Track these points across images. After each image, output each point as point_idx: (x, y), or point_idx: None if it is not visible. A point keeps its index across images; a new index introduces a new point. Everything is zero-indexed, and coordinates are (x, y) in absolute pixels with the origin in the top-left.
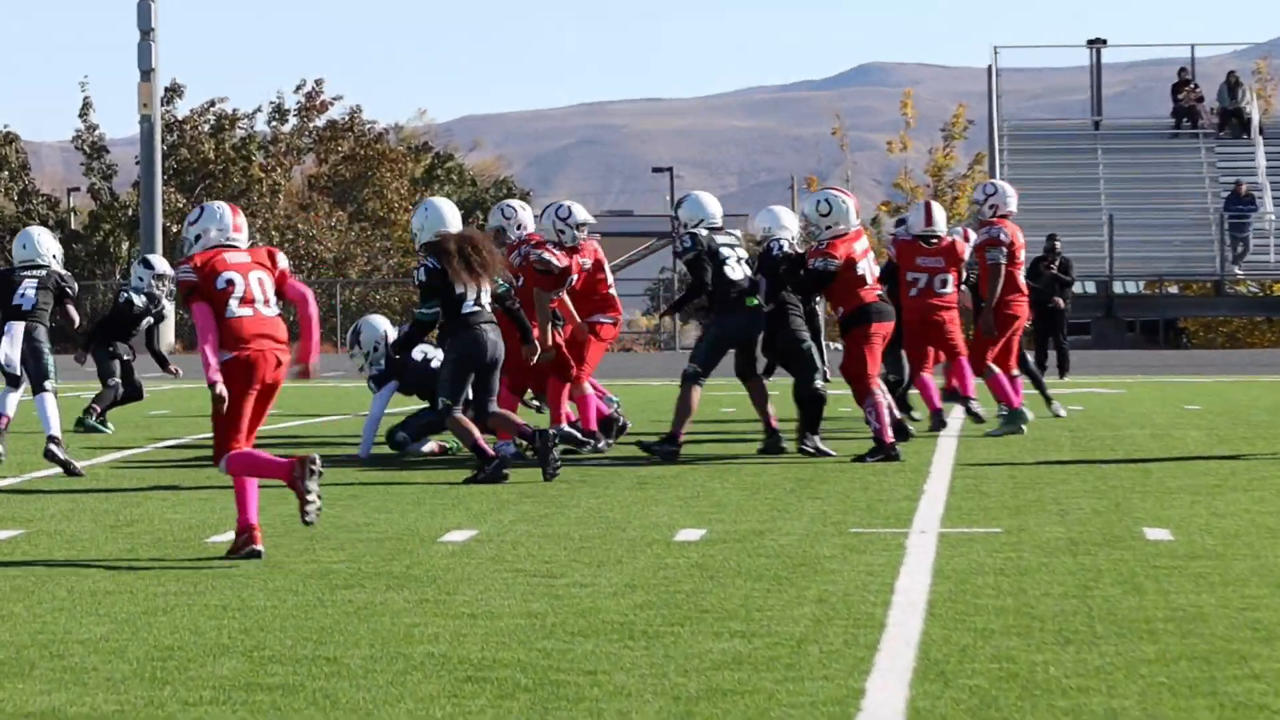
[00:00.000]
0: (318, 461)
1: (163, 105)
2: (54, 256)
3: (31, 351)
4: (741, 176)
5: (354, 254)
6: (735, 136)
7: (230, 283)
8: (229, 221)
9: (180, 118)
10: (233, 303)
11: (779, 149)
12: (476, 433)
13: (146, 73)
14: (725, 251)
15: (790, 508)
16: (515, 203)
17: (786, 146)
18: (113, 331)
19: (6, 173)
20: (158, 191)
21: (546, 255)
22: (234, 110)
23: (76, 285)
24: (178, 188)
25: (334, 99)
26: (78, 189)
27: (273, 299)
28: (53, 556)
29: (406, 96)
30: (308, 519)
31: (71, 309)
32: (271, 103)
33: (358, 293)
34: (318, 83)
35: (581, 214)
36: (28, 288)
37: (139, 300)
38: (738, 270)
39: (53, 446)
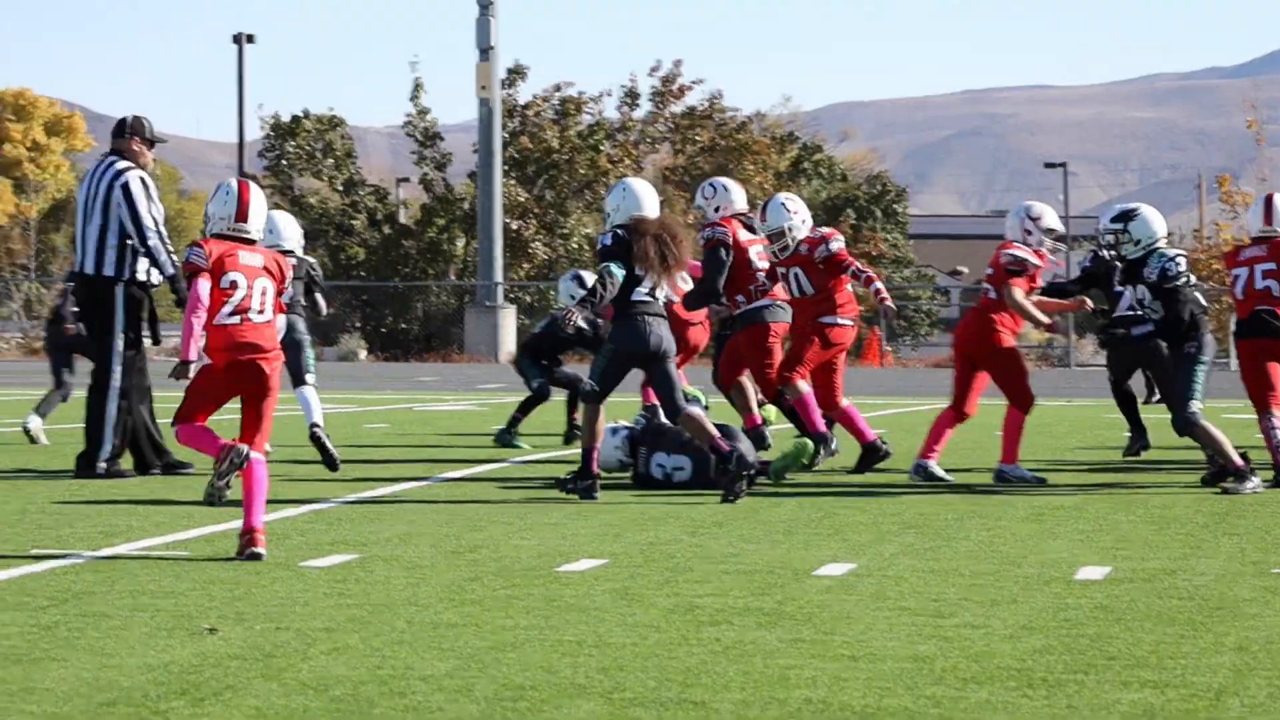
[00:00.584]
0: (242, 454)
1: (503, 88)
2: (297, 242)
3: (291, 344)
4: (1142, 173)
5: None
6: (1135, 129)
7: (233, 285)
8: (234, 207)
9: (522, 103)
10: (225, 308)
11: (1184, 143)
12: (599, 436)
13: (485, 51)
14: (1192, 277)
15: (1204, 544)
16: (723, 181)
17: (1192, 140)
18: (545, 351)
19: (331, 160)
20: (497, 183)
21: (1020, 253)
22: (580, 94)
23: (321, 272)
24: (518, 179)
25: (693, 83)
26: (407, 179)
27: (269, 308)
28: (390, 584)
29: (771, 81)
30: (210, 498)
31: (320, 298)
32: (623, 86)
33: None
34: (675, 64)
35: (1051, 219)
36: None
37: (583, 322)
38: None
39: (317, 431)
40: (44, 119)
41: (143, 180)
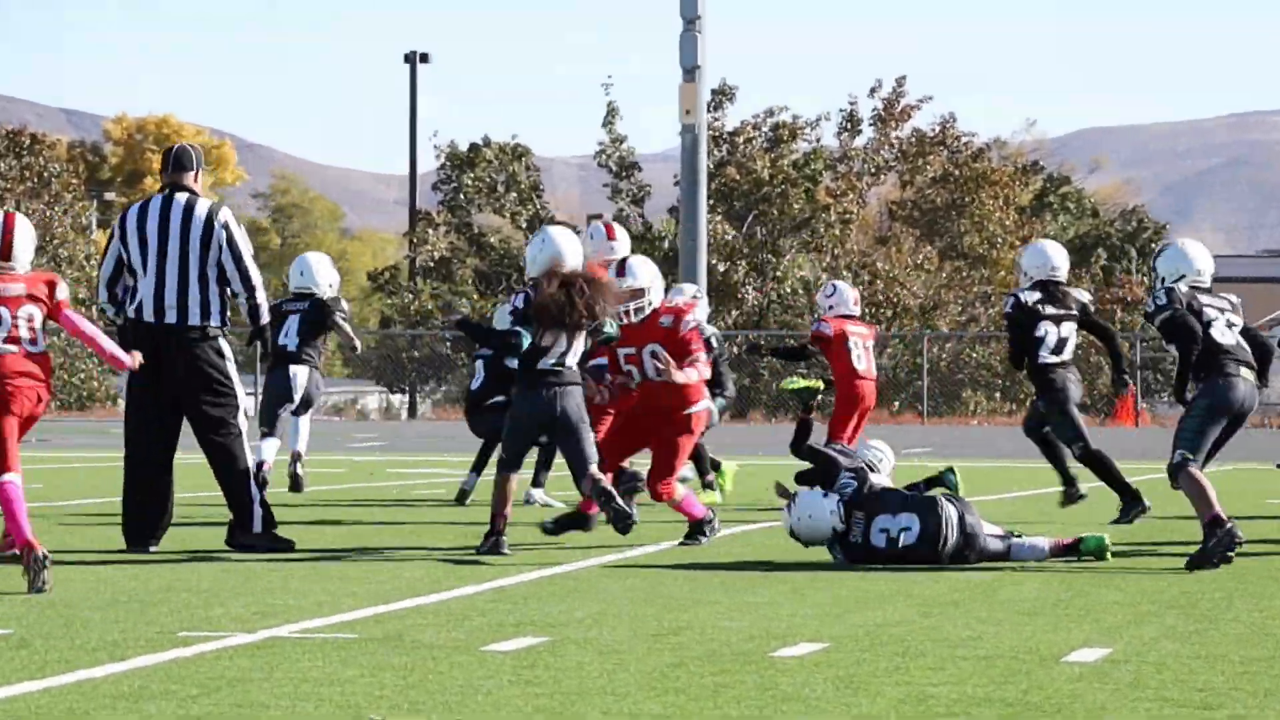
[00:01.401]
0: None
1: (709, 113)
2: (329, 286)
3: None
4: None
5: (945, 300)
6: None
7: None
8: None
9: (730, 129)
10: None
11: None
12: (507, 508)
13: (690, 71)
14: (1211, 312)
15: None
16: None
17: None
18: None
19: (514, 194)
20: (701, 220)
21: None
22: (795, 119)
23: (346, 306)
24: (725, 215)
25: (920, 102)
26: (599, 216)
27: (40, 336)
28: (583, 671)
29: (1012, 103)
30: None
31: (348, 329)
32: (841, 110)
33: (949, 349)
34: (899, 83)
35: None
36: (290, 326)
37: None
38: (1229, 334)
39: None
40: None
41: (237, 220)
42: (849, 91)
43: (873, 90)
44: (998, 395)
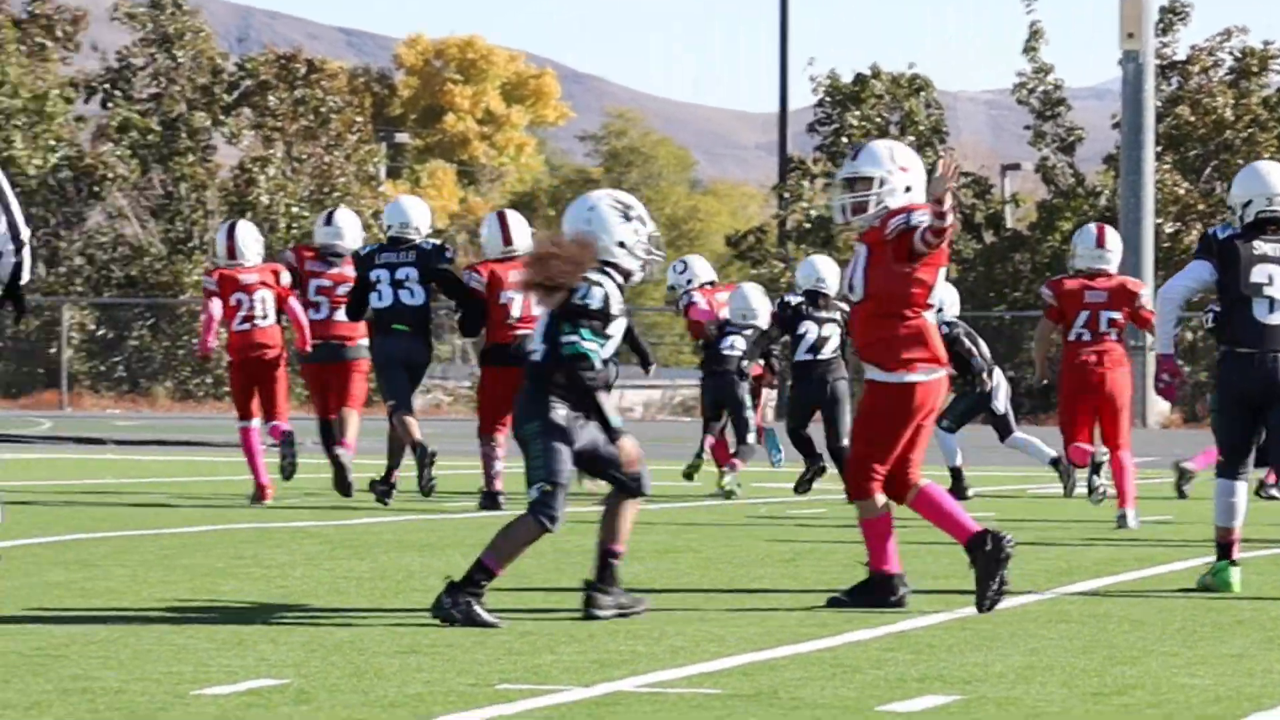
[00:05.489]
0: None
1: (1156, 37)
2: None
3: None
4: None
5: None
6: None
7: None
8: None
9: (1182, 57)
10: None
11: None
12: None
13: None
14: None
15: None
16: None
17: None
18: None
19: (911, 138)
20: (1147, 171)
21: None
22: (1266, 45)
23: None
24: (1177, 165)
25: None
26: (1017, 166)
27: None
28: None
29: None
30: None
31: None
32: None
33: None
34: None
35: None
36: None
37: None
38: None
39: None
40: (501, 80)
41: None
42: None
43: None
44: None
